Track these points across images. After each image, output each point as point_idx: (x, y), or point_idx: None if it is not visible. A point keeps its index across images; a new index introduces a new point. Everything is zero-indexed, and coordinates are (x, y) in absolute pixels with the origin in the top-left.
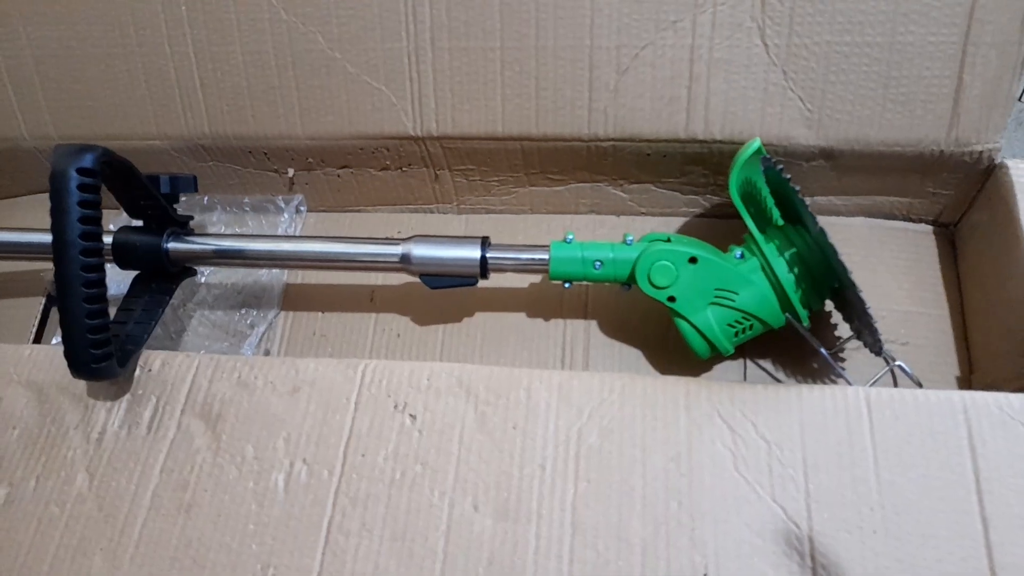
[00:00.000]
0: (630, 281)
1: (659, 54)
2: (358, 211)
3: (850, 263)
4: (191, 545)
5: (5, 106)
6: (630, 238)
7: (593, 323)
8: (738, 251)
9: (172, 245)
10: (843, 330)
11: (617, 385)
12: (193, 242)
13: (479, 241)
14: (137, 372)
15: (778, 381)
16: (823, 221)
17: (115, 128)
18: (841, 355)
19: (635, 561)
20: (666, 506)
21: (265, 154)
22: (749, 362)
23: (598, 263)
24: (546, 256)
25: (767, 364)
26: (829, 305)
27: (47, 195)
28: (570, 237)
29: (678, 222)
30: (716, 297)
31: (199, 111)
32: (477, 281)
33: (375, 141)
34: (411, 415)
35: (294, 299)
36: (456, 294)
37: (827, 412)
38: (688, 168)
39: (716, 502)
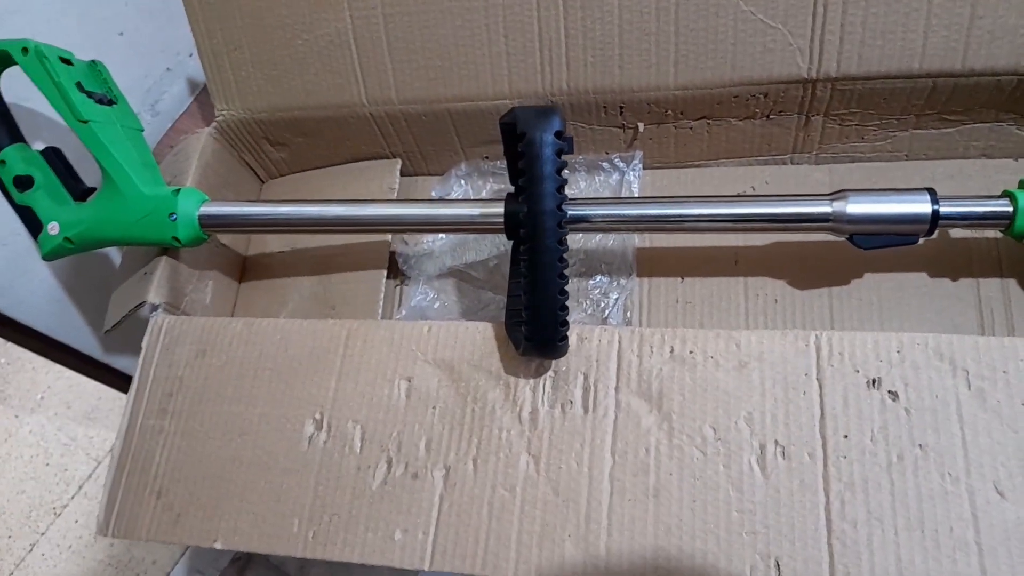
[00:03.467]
0: None
1: None
2: (698, 166)
3: None
4: (671, 532)
5: (347, 69)
6: None
7: (1011, 281)
8: None
9: None
10: None
11: None
12: (574, 209)
13: (926, 193)
14: None
15: None
16: None
17: (464, 89)
18: None
19: None
20: None
21: (621, 108)
22: None
23: None
24: (1009, 208)
25: None
26: None
27: (375, 162)
28: None
29: None
30: None
31: (559, 65)
32: (919, 239)
33: (757, 87)
34: (890, 391)
35: (647, 264)
36: (834, 254)
37: None
38: None
39: None
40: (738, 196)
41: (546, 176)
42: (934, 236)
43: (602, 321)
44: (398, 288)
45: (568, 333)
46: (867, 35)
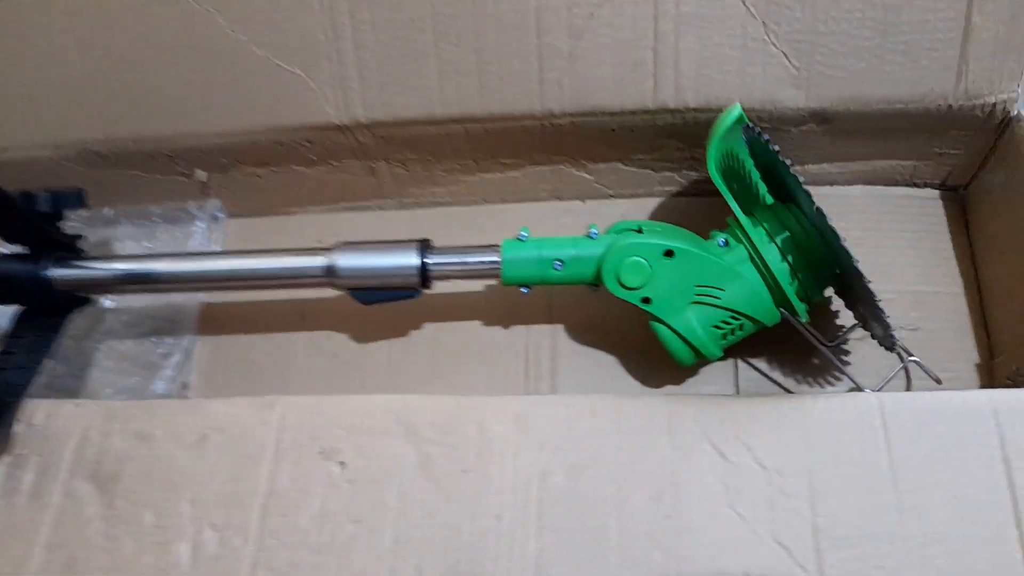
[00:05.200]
0: (597, 281)
1: (618, 12)
2: (287, 214)
3: (848, 238)
4: None
5: None
6: (595, 230)
7: (559, 328)
8: (721, 238)
9: (55, 272)
10: (846, 316)
11: (587, 410)
12: (80, 267)
13: (416, 245)
14: (19, 427)
15: (775, 383)
16: (816, 192)
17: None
18: (844, 347)
19: None
20: (648, 556)
21: (170, 156)
22: (741, 363)
23: (558, 263)
24: (497, 258)
25: (761, 364)
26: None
27: None
28: (524, 234)
29: (653, 203)
30: (698, 295)
31: (90, 111)
32: (418, 293)
33: (295, 134)
34: (340, 462)
35: (213, 321)
36: (397, 305)
37: (835, 426)
38: (661, 142)
39: (708, 547)
40: (232, 251)
41: None
42: (430, 289)
43: (148, 387)
44: None
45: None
46: (385, 80)
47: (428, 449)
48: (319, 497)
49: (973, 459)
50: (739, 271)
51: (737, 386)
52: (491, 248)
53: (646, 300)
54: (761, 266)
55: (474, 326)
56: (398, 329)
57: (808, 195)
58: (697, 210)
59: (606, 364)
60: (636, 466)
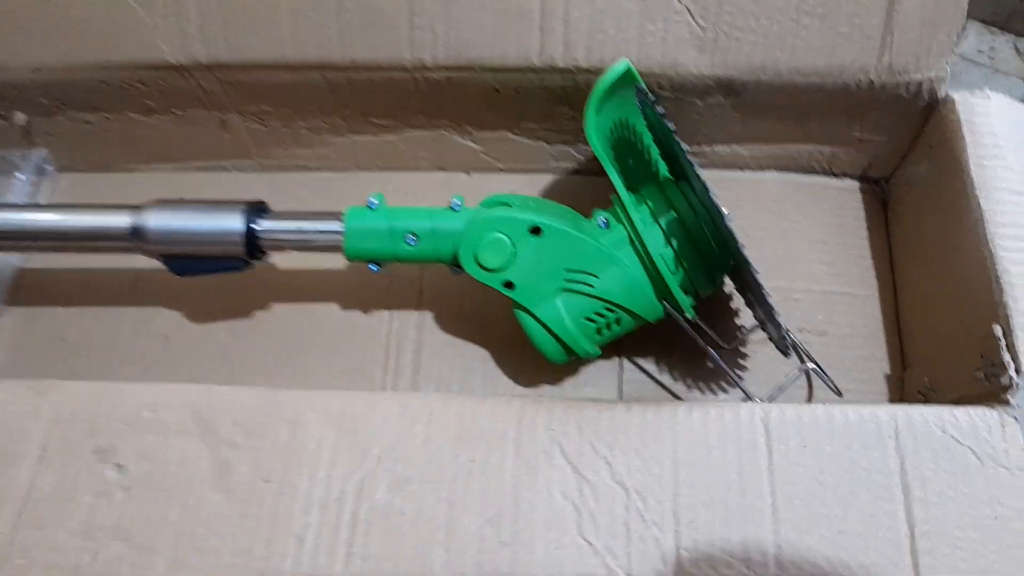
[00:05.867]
0: (457, 261)
1: None
2: (130, 171)
3: (757, 229)
4: None
5: None
6: (458, 201)
7: (428, 315)
8: (602, 217)
9: None
10: (748, 315)
11: (423, 411)
12: None
13: (243, 208)
14: None
15: (663, 388)
16: (725, 176)
17: None
18: (744, 350)
19: None
20: None
21: None
22: (627, 363)
23: (411, 237)
24: (340, 227)
25: (649, 365)
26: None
27: None
28: (374, 201)
29: (546, 180)
30: (568, 281)
31: None
32: (245, 265)
33: (123, 72)
34: (117, 465)
35: (28, 289)
36: (245, 277)
37: (711, 441)
38: (552, 108)
39: None
40: (31, 204)
41: None
42: (261, 262)
43: None
44: None
45: None
46: (227, 14)
47: (226, 453)
48: (85, 507)
49: (866, 487)
50: (617, 256)
51: (621, 390)
52: (333, 216)
53: (508, 284)
54: (641, 251)
55: (331, 310)
56: (242, 310)
57: (693, 166)
58: (597, 190)
59: (478, 358)
60: (473, 481)
